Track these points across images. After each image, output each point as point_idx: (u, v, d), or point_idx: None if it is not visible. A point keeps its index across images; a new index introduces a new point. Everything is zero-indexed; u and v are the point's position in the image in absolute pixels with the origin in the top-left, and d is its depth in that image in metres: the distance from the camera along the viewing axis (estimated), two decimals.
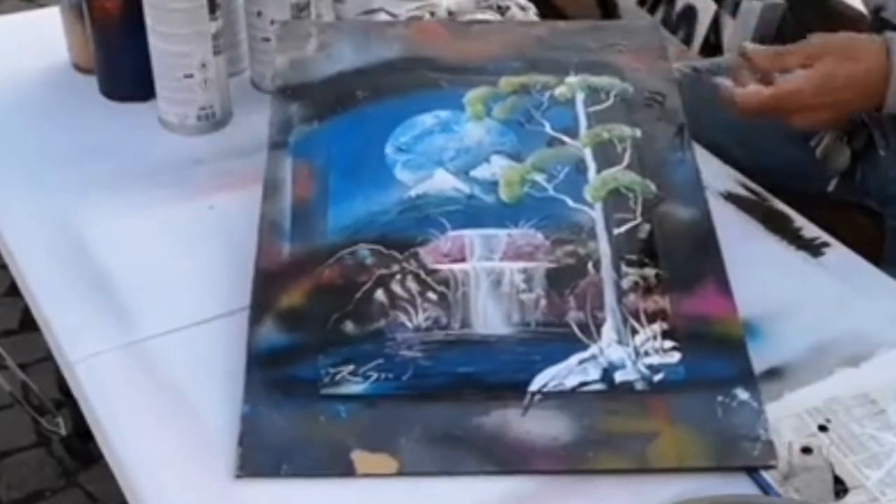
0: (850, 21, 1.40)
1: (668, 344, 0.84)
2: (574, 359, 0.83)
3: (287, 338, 0.84)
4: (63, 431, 1.47)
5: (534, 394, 0.81)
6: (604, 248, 0.90)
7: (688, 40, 1.97)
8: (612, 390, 0.81)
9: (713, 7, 1.92)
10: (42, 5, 1.50)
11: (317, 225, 0.91)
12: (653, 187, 0.94)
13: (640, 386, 0.82)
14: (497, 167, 0.95)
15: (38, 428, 1.69)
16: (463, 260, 0.88)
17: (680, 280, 0.88)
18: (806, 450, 0.78)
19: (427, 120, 0.99)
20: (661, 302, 0.87)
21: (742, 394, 0.81)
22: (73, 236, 0.98)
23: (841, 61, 0.97)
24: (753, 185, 1.07)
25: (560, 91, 1.02)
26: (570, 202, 0.93)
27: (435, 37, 1.09)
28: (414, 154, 0.96)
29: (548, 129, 0.99)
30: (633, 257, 0.89)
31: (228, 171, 1.06)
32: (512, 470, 0.77)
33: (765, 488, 0.76)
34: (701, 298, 0.87)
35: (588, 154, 0.97)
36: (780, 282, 0.95)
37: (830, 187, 1.20)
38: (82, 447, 1.63)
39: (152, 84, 1.12)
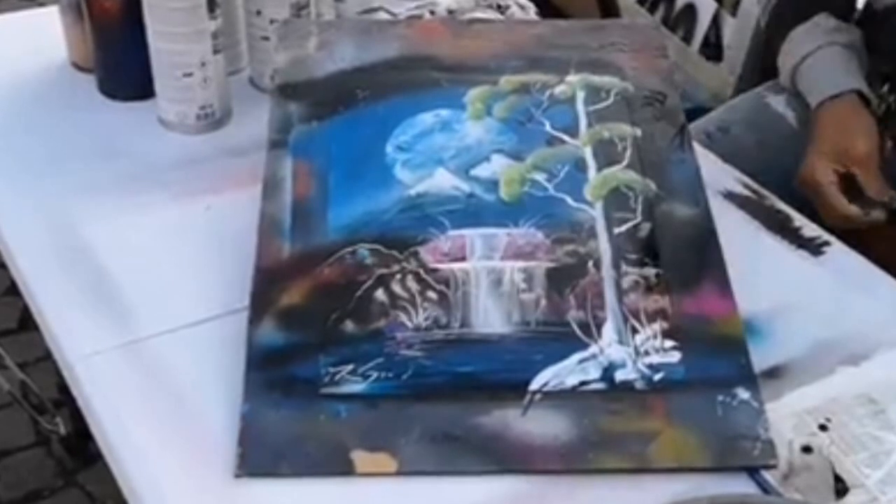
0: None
1: (669, 343, 0.84)
2: (574, 358, 0.83)
3: (287, 337, 0.84)
4: (62, 431, 1.47)
5: (534, 393, 0.81)
6: (604, 248, 0.89)
7: (688, 39, 1.97)
8: (613, 390, 0.81)
9: (713, 6, 1.92)
10: (42, 5, 1.50)
11: (317, 224, 0.91)
12: (653, 186, 0.94)
13: (640, 385, 0.82)
14: (497, 166, 0.95)
15: (37, 427, 1.69)
16: (463, 259, 0.88)
17: (680, 279, 0.88)
18: (806, 449, 0.78)
19: (427, 119, 0.99)
20: (661, 301, 0.86)
21: (742, 393, 0.81)
22: (72, 236, 0.97)
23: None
24: (754, 185, 1.07)
25: (560, 90, 1.02)
26: (570, 201, 0.92)
27: (435, 36, 1.09)
28: (414, 153, 0.96)
29: (548, 127, 0.98)
30: (634, 256, 0.89)
31: (228, 171, 1.05)
32: (512, 470, 0.77)
33: (765, 488, 0.76)
34: (701, 298, 0.87)
35: (588, 153, 0.96)
36: (780, 281, 0.95)
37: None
38: (82, 447, 1.63)
39: (152, 83, 1.12)
